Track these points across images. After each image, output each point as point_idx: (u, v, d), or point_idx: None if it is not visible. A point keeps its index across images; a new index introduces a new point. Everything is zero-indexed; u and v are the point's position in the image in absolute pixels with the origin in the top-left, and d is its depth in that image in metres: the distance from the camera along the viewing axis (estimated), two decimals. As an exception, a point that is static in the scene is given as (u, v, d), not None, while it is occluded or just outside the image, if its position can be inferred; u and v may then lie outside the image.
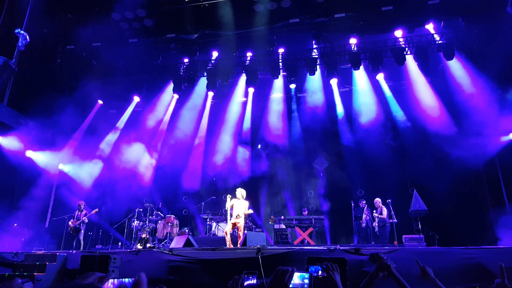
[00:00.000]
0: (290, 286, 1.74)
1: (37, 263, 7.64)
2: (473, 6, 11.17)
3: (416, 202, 12.18)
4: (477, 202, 12.26)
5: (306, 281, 2.18)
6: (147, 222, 12.62)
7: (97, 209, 12.01)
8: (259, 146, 15.77)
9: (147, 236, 12.02)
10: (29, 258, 8.03)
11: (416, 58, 12.75)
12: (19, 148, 13.01)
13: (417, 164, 13.21)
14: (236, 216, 10.00)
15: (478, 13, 11.16)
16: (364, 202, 12.50)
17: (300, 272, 2.18)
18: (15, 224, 12.65)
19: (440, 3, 11.44)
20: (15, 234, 12.48)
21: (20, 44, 9.91)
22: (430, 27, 12.39)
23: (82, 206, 11.84)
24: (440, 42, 12.47)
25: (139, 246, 11.51)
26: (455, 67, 12.71)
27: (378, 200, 11.88)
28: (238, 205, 10.10)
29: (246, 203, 10.26)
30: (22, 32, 9.82)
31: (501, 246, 8.21)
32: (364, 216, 12.21)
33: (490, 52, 11.71)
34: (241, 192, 10.28)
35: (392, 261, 2.64)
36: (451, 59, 12.26)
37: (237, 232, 9.97)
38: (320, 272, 2.33)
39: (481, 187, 12.59)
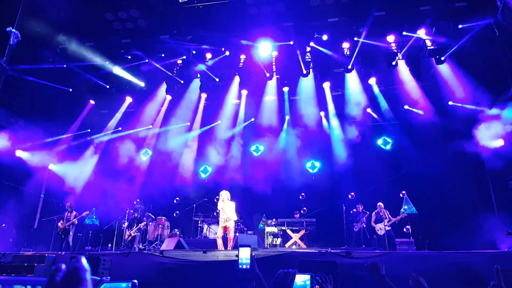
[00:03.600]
0: None
1: (25, 264, 7.53)
2: (464, 12, 11.33)
3: (407, 205, 12.30)
4: (467, 206, 12.38)
5: (308, 282, 2.19)
6: (135, 224, 12.55)
7: (87, 212, 11.90)
8: (252, 149, 15.78)
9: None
10: (17, 259, 7.90)
11: (408, 63, 12.89)
12: (8, 147, 12.84)
13: (408, 168, 13.34)
14: (226, 219, 9.99)
15: (469, 20, 11.29)
16: (362, 207, 12.55)
17: (301, 274, 2.19)
18: (3, 225, 12.48)
19: (432, 9, 11.59)
20: (3, 235, 12.31)
21: (11, 43, 9.78)
22: (422, 32, 12.52)
23: (71, 208, 11.71)
24: (431, 47, 12.61)
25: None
26: (446, 72, 12.87)
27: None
28: (226, 208, 10.10)
29: (233, 204, 10.27)
30: (13, 30, 9.70)
31: (491, 250, 8.30)
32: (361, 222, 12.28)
33: (480, 58, 11.87)
34: (226, 194, 10.29)
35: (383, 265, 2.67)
36: (442, 64, 12.41)
37: (228, 235, 9.96)
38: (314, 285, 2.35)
39: (471, 191, 12.72)
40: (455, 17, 11.61)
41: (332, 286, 2.23)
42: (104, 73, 14.03)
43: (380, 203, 11.58)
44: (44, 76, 13.33)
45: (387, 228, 11.11)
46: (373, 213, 11.65)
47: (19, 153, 13.46)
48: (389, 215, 11.30)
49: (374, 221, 11.56)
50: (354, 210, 12.68)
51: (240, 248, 2.42)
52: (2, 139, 12.64)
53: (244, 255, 2.39)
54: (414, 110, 13.78)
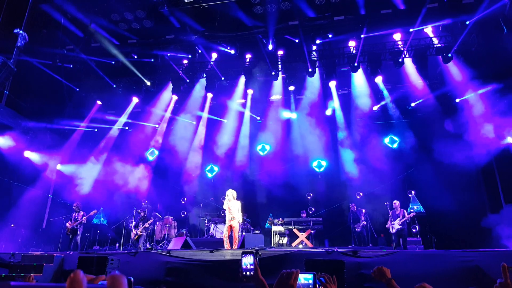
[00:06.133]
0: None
1: (34, 264, 7.60)
2: (471, 9, 11.21)
3: (414, 204, 12.21)
4: (475, 205, 12.27)
5: (311, 281, 2.20)
6: (142, 223, 12.63)
7: (95, 211, 11.99)
8: (258, 148, 15.78)
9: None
10: (26, 259, 7.99)
11: (415, 61, 12.80)
12: (17, 148, 12.98)
13: (416, 167, 13.26)
14: (231, 219, 10.00)
15: (477, 16, 11.18)
16: (356, 207, 12.53)
17: (304, 273, 2.20)
18: (12, 225, 12.61)
19: (438, 7, 11.48)
20: (12, 235, 12.44)
21: (19, 44, 9.87)
22: (428, 30, 12.43)
23: (79, 208, 11.80)
24: (438, 45, 12.51)
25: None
26: (453, 70, 12.75)
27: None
28: (232, 207, 10.11)
29: (238, 203, 10.27)
30: (21, 32, 9.79)
31: (499, 249, 8.21)
32: (362, 221, 12.26)
33: (488, 55, 11.75)
34: (232, 193, 10.29)
35: (389, 265, 2.68)
36: (449, 62, 12.31)
37: (233, 234, 9.97)
38: (317, 285, 2.35)
39: (479, 190, 12.61)
40: (463, 13, 11.48)
41: (336, 286, 2.23)
42: (110, 73, 14.13)
43: (396, 201, 11.46)
44: (52, 77, 13.45)
45: (398, 226, 11.01)
46: (390, 211, 11.48)
47: (27, 154, 13.60)
48: (406, 214, 11.12)
49: (391, 220, 11.42)
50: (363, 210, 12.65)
51: (243, 255, 2.43)
52: (11, 140, 12.77)
53: (248, 261, 2.39)
54: (421, 108, 13.68)
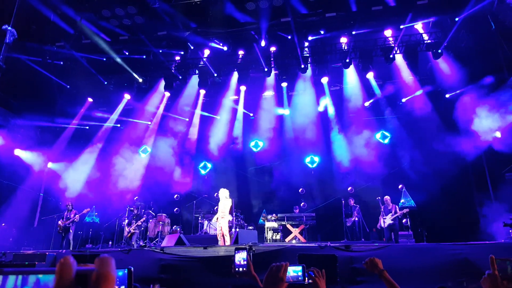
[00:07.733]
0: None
1: (26, 262, 7.58)
2: (460, 6, 11.33)
3: (405, 199, 12.36)
4: (464, 199, 12.47)
5: (300, 273, 2.24)
6: (135, 221, 12.58)
7: (88, 209, 11.93)
8: (251, 144, 15.81)
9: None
10: (18, 257, 7.95)
11: (405, 57, 12.92)
12: (7, 146, 12.84)
13: (407, 162, 13.41)
14: (221, 217, 10.04)
15: (466, 13, 11.30)
16: (353, 201, 12.64)
17: (293, 266, 2.23)
18: (3, 224, 12.50)
19: (428, 3, 11.58)
20: (3, 234, 12.33)
21: (7, 41, 9.74)
22: (419, 26, 12.52)
23: (71, 206, 11.74)
24: (428, 41, 12.63)
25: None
26: (443, 66, 12.89)
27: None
28: (221, 205, 10.16)
29: (229, 202, 10.29)
30: (9, 28, 9.65)
31: (487, 242, 8.37)
32: (354, 216, 12.37)
33: (477, 51, 11.91)
34: (223, 192, 10.34)
35: (381, 259, 2.74)
36: (439, 57, 12.44)
37: (221, 232, 9.93)
38: (306, 278, 2.39)
39: (468, 184, 12.80)
40: (452, 10, 11.61)
41: (325, 280, 2.27)
42: (101, 70, 14.01)
43: (387, 197, 11.57)
44: (42, 74, 13.30)
45: (390, 222, 11.12)
46: (382, 206, 11.56)
47: (18, 152, 13.46)
48: (397, 209, 11.23)
49: (382, 215, 11.51)
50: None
51: (237, 251, 2.46)
52: (0, 138, 12.63)
53: (241, 257, 2.42)
54: (411, 104, 13.81)
